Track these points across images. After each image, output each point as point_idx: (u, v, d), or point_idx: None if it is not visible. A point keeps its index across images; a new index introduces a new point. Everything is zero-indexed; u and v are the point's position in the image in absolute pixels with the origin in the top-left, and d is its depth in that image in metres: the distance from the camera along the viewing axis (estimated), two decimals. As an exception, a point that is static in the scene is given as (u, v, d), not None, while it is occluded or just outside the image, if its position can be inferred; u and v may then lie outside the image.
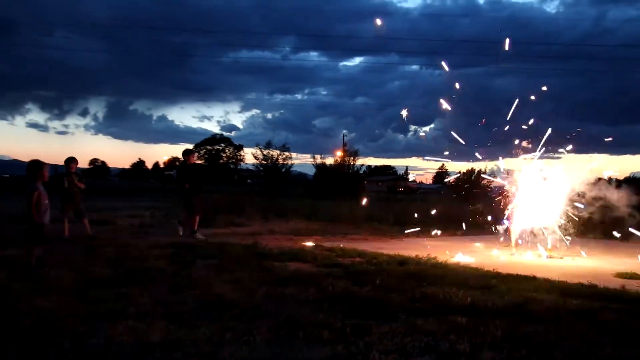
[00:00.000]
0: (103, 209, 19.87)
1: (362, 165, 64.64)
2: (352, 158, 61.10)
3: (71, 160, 12.20)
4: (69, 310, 5.50)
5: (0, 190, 34.80)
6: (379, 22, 15.35)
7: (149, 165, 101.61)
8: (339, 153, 61.61)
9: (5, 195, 27.43)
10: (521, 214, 11.53)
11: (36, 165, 8.38)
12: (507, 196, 11.82)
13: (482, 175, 12.53)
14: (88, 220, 12.29)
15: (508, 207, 11.74)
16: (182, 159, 14.29)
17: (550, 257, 10.78)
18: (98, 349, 4.37)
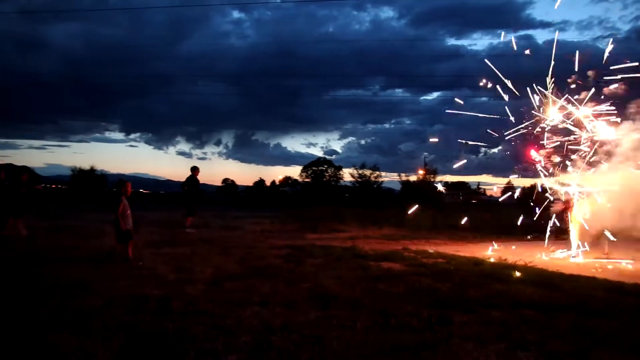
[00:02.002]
0: (234, 217, 20.59)
1: (441, 181, 63.46)
2: (432, 175, 60.15)
3: (22, 173, 12.59)
4: (210, 297, 5.72)
5: (157, 203, 37.00)
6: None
7: (268, 183, 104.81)
8: (421, 171, 60.81)
9: (160, 207, 29.01)
10: (581, 221, 10.81)
11: (121, 183, 8.67)
12: (567, 207, 11.09)
13: (547, 188, 11.65)
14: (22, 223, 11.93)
15: (567, 216, 11.02)
16: (191, 173, 14.75)
17: (607, 259, 10.04)
18: (232, 327, 4.52)
